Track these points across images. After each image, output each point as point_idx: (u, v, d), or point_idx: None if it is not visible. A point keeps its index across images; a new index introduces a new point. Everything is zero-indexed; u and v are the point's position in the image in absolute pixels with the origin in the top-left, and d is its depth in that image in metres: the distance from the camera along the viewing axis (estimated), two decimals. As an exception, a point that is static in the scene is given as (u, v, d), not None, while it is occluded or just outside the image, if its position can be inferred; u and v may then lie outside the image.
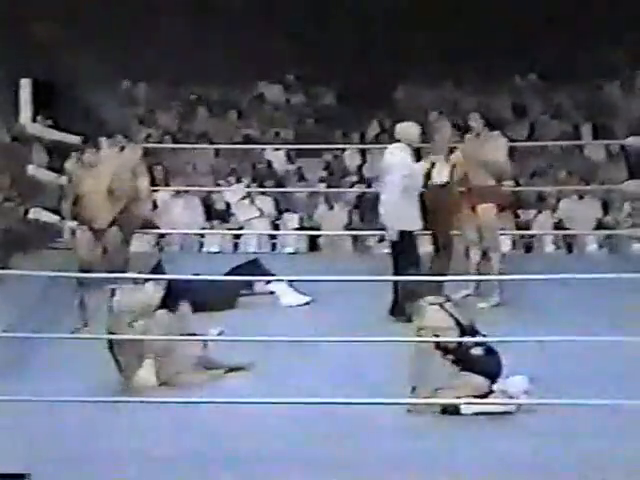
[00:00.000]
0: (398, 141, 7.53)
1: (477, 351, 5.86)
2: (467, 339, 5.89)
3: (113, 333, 6.37)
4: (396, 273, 7.32)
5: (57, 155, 10.55)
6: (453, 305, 6.04)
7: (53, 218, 9.57)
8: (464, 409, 5.80)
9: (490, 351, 5.88)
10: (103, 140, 8.34)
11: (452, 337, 5.86)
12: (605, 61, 12.24)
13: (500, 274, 7.70)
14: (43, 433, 5.54)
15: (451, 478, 5.16)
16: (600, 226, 10.63)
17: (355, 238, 10.45)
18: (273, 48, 12.25)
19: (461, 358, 5.85)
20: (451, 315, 5.93)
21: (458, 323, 5.91)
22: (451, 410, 5.81)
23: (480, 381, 5.84)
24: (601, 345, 6.04)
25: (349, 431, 5.59)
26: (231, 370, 6.55)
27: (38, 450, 5.34)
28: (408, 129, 7.56)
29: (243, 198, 11.13)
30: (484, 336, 5.93)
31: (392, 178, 7.39)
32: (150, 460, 5.29)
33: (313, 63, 12.31)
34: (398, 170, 7.38)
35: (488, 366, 5.86)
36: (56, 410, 5.63)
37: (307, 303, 7.96)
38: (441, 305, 5.97)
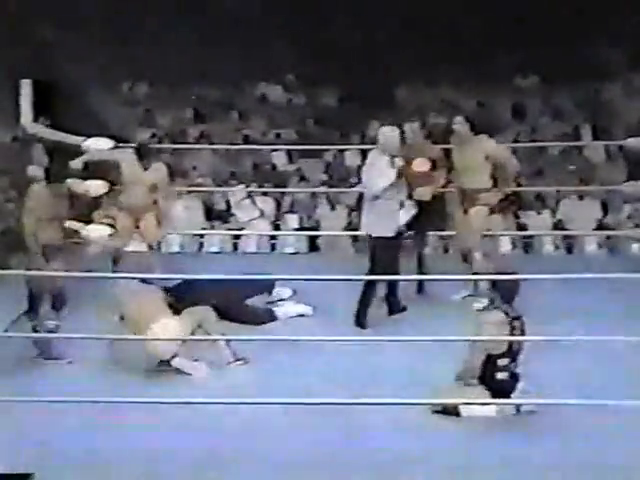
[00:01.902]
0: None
1: (503, 375, 5.88)
2: (465, 338, 5.91)
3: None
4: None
5: (58, 156, 10.55)
6: (521, 324, 5.95)
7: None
8: (464, 412, 5.83)
9: (513, 375, 5.90)
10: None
11: (501, 351, 5.85)
12: (605, 62, 12.25)
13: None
14: (46, 433, 5.56)
15: (452, 478, 5.18)
16: (600, 227, 10.65)
17: (355, 238, 10.45)
18: (274, 49, 12.26)
19: (487, 376, 5.87)
20: (512, 332, 5.87)
21: (510, 345, 5.88)
22: (450, 411, 5.84)
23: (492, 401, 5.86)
24: (601, 345, 6.05)
25: (350, 430, 5.60)
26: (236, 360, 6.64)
27: (41, 450, 5.35)
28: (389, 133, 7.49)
29: (243, 199, 11.14)
30: (513, 360, 5.92)
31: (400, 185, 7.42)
32: (150, 460, 5.30)
33: (313, 64, 12.33)
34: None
35: (506, 388, 5.89)
36: (58, 410, 5.64)
37: (303, 315, 7.85)
38: (512, 320, 5.90)
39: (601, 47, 12.11)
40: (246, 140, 12.15)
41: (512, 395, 5.89)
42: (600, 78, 12.38)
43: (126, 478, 5.20)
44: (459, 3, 12.20)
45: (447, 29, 12.08)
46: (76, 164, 7.98)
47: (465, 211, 7.86)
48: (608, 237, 10.29)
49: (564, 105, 12.60)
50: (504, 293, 5.94)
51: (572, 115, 12.42)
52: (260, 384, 6.26)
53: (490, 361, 5.86)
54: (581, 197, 10.86)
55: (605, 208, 10.87)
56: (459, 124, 7.79)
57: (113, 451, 5.38)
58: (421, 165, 7.94)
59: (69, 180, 7.44)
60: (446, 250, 9.99)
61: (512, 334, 5.88)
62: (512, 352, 5.90)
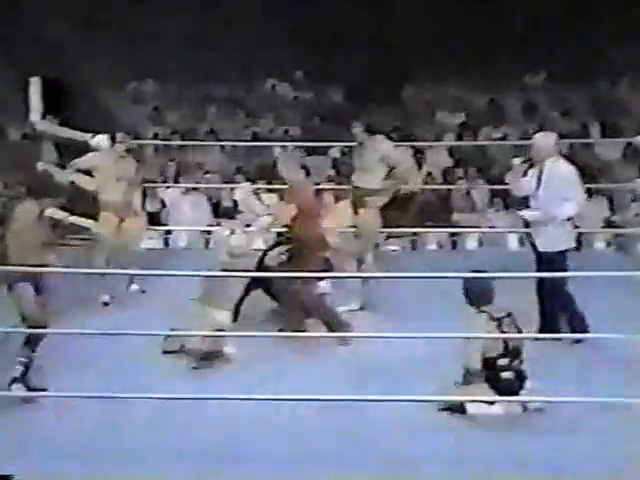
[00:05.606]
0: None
1: (508, 375, 5.87)
2: (468, 335, 5.89)
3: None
4: None
5: (67, 152, 10.59)
6: (512, 322, 5.94)
7: (62, 215, 9.55)
8: (470, 410, 5.82)
9: (520, 375, 5.89)
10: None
11: (498, 352, 5.85)
12: (614, 60, 12.22)
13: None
14: (33, 431, 5.57)
15: (457, 475, 5.17)
16: (608, 224, 10.61)
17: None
18: (281, 46, 12.27)
19: (491, 377, 5.87)
20: (502, 331, 5.86)
21: (506, 344, 5.88)
22: (457, 409, 5.83)
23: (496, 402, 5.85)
24: (608, 342, 6.04)
25: (355, 427, 5.60)
26: None
27: (24, 450, 5.36)
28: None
29: (250, 195, 11.13)
30: (514, 358, 5.89)
31: None
32: (149, 457, 5.30)
33: (321, 61, 12.33)
34: None
35: (513, 387, 5.89)
36: (54, 407, 5.66)
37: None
38: (499, 320, 5.89)
39: (610, 45, 12.08)
40: (254, 137, 12.16)
41: (519, 393, 5.87)
42: (609, 75, 12.35)
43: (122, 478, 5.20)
44: (468, 1, 12.20)
45: (456, 26, 12.08)
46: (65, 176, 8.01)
47: (356, 211, 7.90)
48: (616, 235, 10.25)
49: (574, 102, 12.57)
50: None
51: (582, 112, 12.38)
52: (264, 381, 6.25)
53: (489, 363, 5.84)
54: (590, 194, 10.81)
55: (614, 206, 10.84)
56: (357, 127, 7.85)
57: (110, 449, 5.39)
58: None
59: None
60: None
61: (503, 332, 5.84)
62: (510, 350, 5.87)
